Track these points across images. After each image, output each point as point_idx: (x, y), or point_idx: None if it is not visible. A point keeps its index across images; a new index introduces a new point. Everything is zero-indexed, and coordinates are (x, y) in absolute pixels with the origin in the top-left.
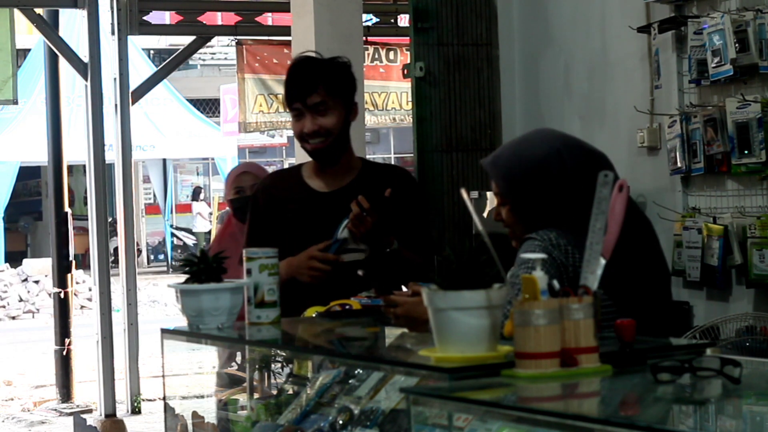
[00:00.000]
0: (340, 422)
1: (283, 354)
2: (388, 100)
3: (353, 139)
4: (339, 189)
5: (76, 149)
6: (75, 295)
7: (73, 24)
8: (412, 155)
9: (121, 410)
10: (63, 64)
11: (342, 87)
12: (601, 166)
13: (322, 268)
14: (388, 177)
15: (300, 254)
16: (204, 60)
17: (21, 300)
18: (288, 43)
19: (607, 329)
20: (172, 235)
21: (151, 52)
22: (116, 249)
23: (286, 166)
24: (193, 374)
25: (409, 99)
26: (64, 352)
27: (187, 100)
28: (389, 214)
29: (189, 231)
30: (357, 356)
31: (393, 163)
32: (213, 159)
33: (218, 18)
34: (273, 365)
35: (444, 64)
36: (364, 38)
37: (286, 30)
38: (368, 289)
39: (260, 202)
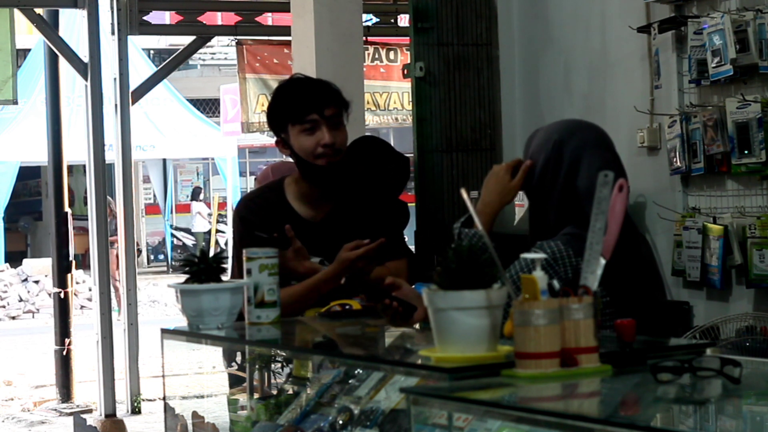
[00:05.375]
0: (340, 422)
1: (283, 354)
2: (390, 100)
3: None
4: (327, 215)
5: (76, 149)
6: (75, 295)
7: (73, 24)
8: (412, 155)
9: (121, 410)
10: (63, 64)
11: (346, 106)
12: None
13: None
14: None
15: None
16: (204, 60)
17: (21, 300)
18: (288, 43)
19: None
20: (172, 235)
21: (151, 52)
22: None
23: None
24: (193, 374)
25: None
26: (64, 352)
27: (187, 100)
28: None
29: (188, 231)
30: (357, 356)
31: None
32: (213, 159)
33: (218, 18)
34: (273, 365)
35: (444, 64)
36: (364, 38)
37: (286, 30)
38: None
39: (242, 232)
